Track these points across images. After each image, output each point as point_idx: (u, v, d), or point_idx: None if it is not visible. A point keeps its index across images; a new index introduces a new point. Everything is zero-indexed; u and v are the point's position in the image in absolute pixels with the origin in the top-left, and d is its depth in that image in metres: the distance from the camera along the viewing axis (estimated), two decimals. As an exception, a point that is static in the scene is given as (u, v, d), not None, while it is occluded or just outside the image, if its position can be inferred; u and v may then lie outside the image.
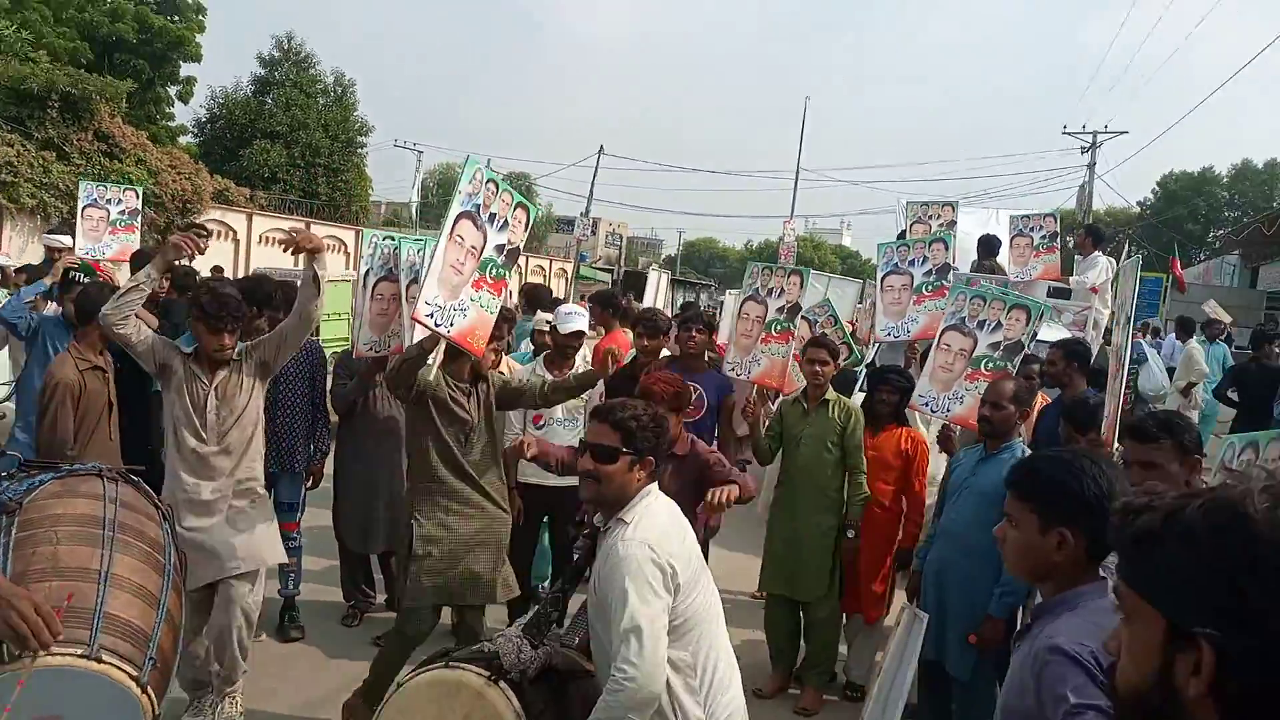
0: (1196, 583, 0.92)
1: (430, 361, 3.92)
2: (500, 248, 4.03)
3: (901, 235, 9.10)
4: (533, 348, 6.03)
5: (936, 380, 5.05)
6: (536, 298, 7.73)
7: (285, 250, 3.99)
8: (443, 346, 3.96)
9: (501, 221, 4.00)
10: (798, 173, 34.47)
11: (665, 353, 5.53)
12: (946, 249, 6.11)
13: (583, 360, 5.28)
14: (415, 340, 3.92)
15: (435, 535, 3.87)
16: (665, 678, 2.41)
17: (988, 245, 8.57)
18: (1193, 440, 2.82)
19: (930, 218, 8.57)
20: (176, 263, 4.19)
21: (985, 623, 3.64)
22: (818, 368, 4.71)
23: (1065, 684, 1.64)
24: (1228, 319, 17.01)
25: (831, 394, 4.77)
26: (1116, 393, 3.90)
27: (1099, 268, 8.39)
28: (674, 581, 2.46)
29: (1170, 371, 10.76)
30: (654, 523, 2.54)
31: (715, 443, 4.99)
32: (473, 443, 4.00)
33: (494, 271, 4.00)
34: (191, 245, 3.81)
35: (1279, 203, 33.73)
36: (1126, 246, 29.13)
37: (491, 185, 3.93)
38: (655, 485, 2.67)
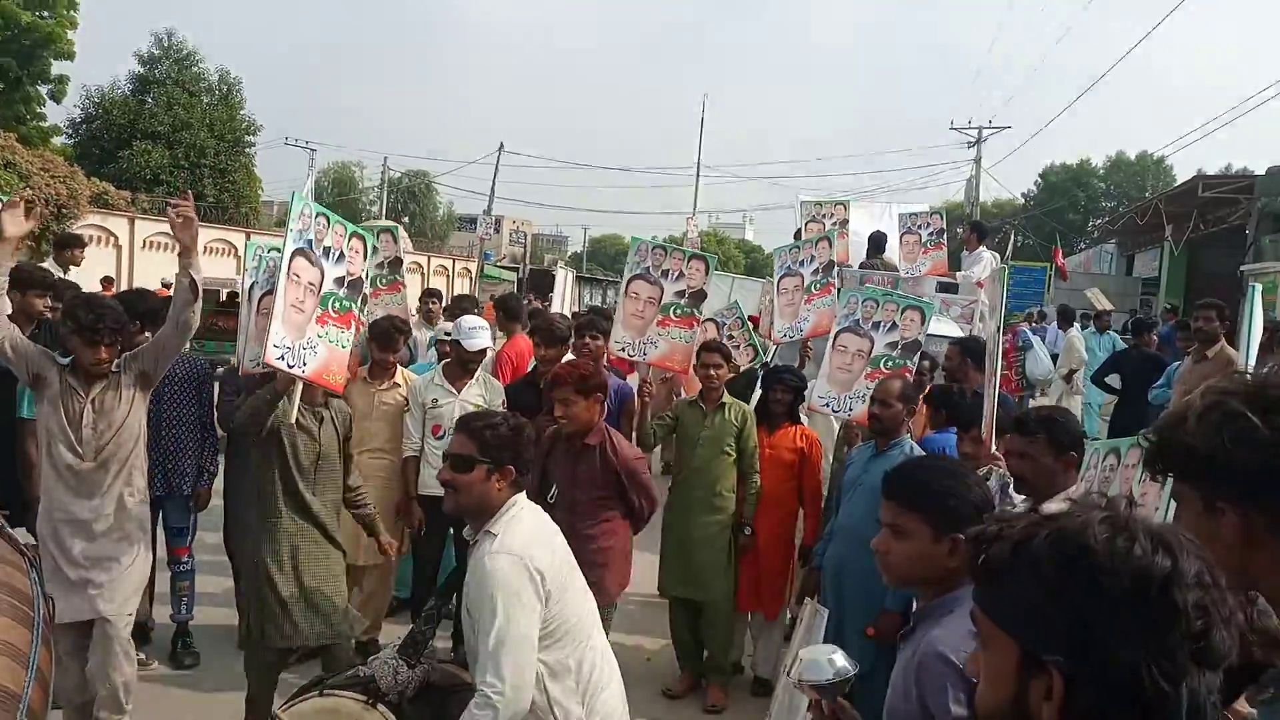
0: (1046, 613, 0.96)
1: (287, 403, 3.83)
2: (340, 280, 4.04)
3: (798, 234, 9.33)
4: (435, 357, 5.92)
5: (835, 381, 5.17)
6: (460, 309, 7.53)
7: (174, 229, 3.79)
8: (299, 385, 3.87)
9: (337, 254, 4.03)
10: (699, 169, 34.79)
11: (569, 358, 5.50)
12: (830, 246, 6.25)
13: (484, 370, 5.23)
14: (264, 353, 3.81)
15: (277, 577, 3.76)
16: (531, 697, 2.43)
17: (876, 243, 8.83)
18: (1069, 438, 2.96)
19: (824, 217, 8.78)
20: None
21: (881, 616, 3.75)
22: (713, 371, 4.83)
23: (947, 694, 1.70)
24: (1109, 306, 17.97)
25: (727, 397, 4.87)
26: (992, 393, 4.07)
27: (983, 262, 8.75)
28: (544, 589, 2.48)
29: (1055, 359, 11.30)
30: (520, 530, 2.55)
31: None
32: (319, 476, 3.93)
33: (337, 305, 4.01)
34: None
35: (1150, 193, 35.68)
36: (1012, 237, 30.35)
37: (322, 219, 3.95)
38: (523, 495, 2.67)
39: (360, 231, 4.15)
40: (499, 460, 2.58)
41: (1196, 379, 6.41)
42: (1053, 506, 2.87)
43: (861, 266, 8.52)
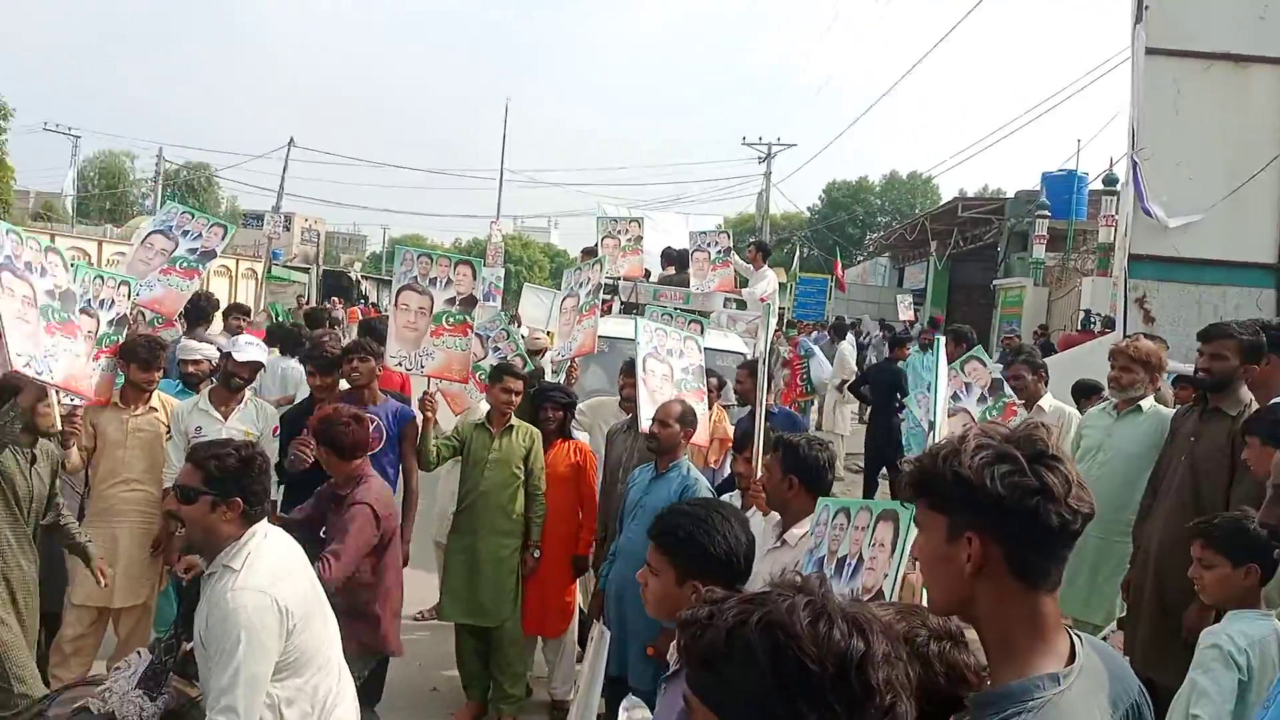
0: (759, 700, 1.01)
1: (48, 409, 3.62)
2: (51, 292, 4.05)
3: (592, 250, 9.45)
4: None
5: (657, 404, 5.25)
6: (196, 311, 6.60)
7: None
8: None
9: (40, 269, 4.04)
10: (501, 173, 34.50)
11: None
12: (602, 269, 6.32)
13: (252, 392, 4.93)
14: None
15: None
16: None
17: (676, 259, 9.12)
18: (789, 459, 3.14)
19: (619, 232, 8.93)
20: None
21: (661, 635, 3.84)
22: (511, 396, 4.79)
23: None
24: (911, 317, 19.37)
25: (515, 419, 4.85)
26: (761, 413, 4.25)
27: (767, 279, 9.20)
28: (290, 623, 2.47)
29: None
30: (264, 565, 2.49)
31: (400, 473, 4.85)
32: (29, 520, 3.68)
33: (55, 316, 4.02)
34: None
35: (919, 210, 38.80)
36: (798, 250, 32.02)
37: (14, 236, 3.98)
38: (262, 524, 2.59)
39: (55, 247, 4.27)
40: (225, 492, 2.49)
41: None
42: (798, 531, 3.08)
43: (661, 281, 8.79)
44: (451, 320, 5.28)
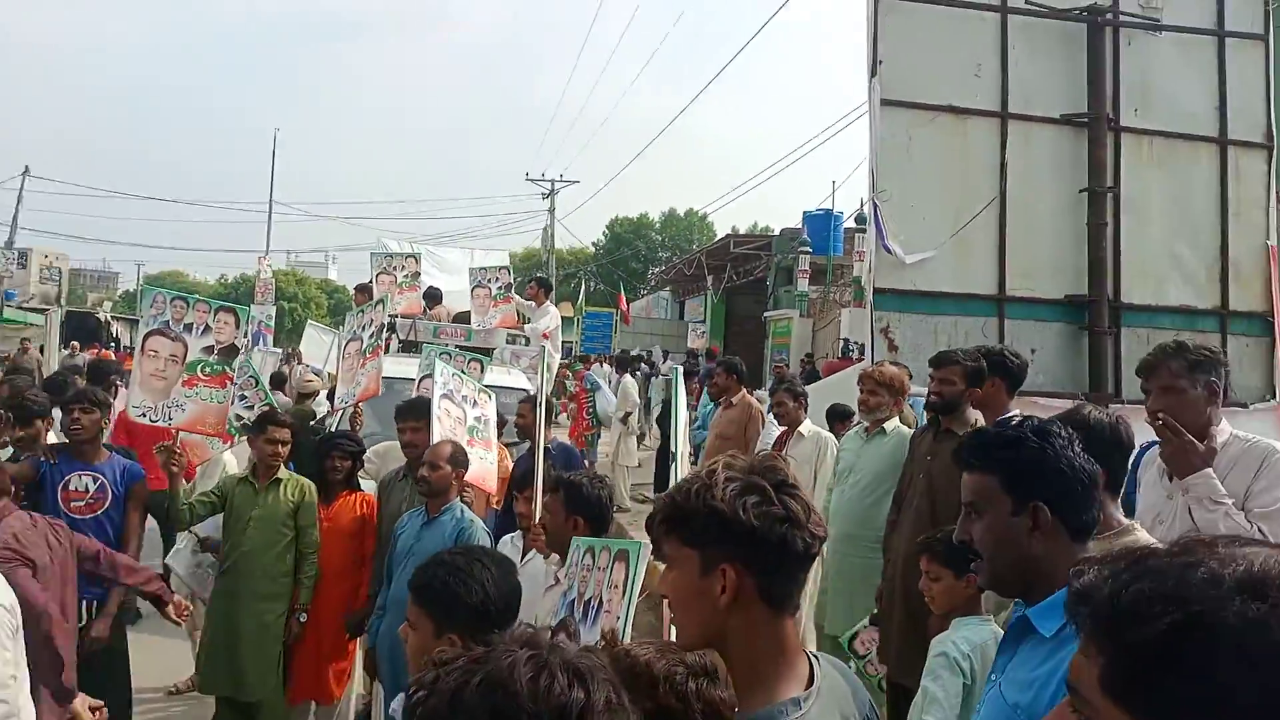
0: None
1: None
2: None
3: (365, 287, 9.14)
4: None
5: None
6: None
7: None
8: None
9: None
10: (270, 205, 32.73)
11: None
12: (384, 308, 6.14)
13: None
14: None
15: None
16: None
17: (432, 296, 9.01)
18: (573, 499, 3.16)
19: (396, 268, 8.67)
20: None
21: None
22: (278, 447, 4.48)
23: None
24: (699, 346, 19.96)
25: (284, 472, 4.54)
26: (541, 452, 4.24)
27: (549, 315, 9.25)
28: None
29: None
30: None
31: (119, 539, 4.32)
32: None
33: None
34: None
35: (696, 246, 40.49)
36: (584, 284, 32.45)
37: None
38: None
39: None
40: None
41: (724, 423, 7.36)
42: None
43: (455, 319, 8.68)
44: (209, 370, 4.93)
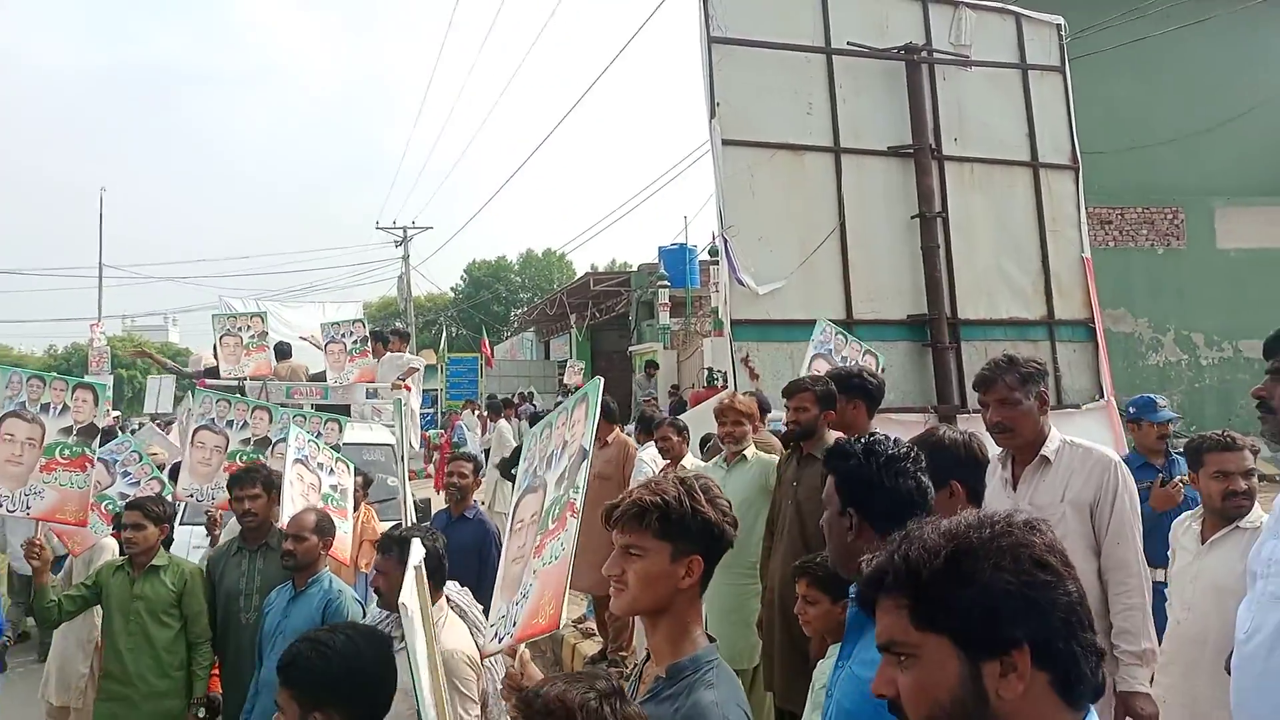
0: None
1: None
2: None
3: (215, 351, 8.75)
4: None
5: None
6: None
7: None
8: None
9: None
10: (101, 269, 30.76)
11: None
12: (270, 419, 5.64)
13: None
14: None
15: None
16: None
17: (282, 352, 8.79)
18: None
19: (240, 330, 8.31)
20: None
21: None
22: (134, 533, 4.18)
23: None
24: (580, 382, 19.79)
25: (163, 556, 4.24)
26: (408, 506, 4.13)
27: (399, 361, 9.10)
28: None
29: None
30: None
31: None
32: None
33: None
34: None
35: (557, 285, 40.58)
36: (445, 330, 31.89)
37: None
38: None
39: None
40: None
41: (601, 462, 7.34)
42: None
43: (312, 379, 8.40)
44: (68, 453, 4.61)
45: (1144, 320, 14.34)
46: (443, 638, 2.96)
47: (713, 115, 5.98)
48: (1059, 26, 7.14)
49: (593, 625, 7.25)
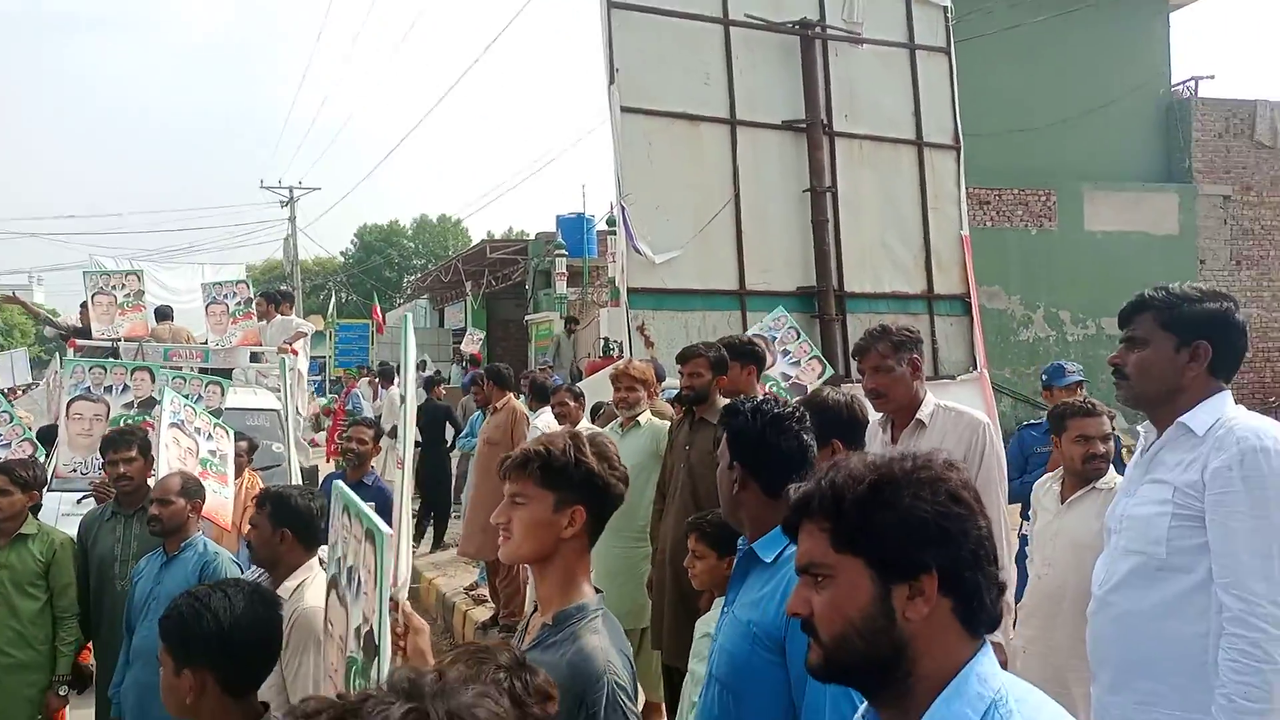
0: None
1: None
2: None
3: (83, 306, 8.28)
4: None
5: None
6: None
7: None
8: None
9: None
10: (-46, 224, 28.61)
11: None
12: (153, 379, 5.44)
13: None
14: None
15: None
16: None
17: (163, 314, 8.52)
18: (280, 511, 3.08)
19: (114, 288, 7.88)
20: None
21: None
22: (9, 498, 3.95)
23: None
24: (476, 351, 19.47)
25: (32, 524, 4.03)
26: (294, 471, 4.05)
27: (289, 325, 8.84)
28: None
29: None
30: None
31: None
32: None
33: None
34: None
35: (452, 252, 39.86)
36: (334, 295, 30.97)
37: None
38: None
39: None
40: None
41: (490, 428, 7.34)
42: (290, 584, 2.98)
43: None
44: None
45: (1016, 298, 15.08)
46: (307, 595, 2.91)
47: (611, 81, 5.99)
48: (945, 9, 7.40)
49: (484, 591, 7.26)
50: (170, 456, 4.09)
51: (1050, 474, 3.95)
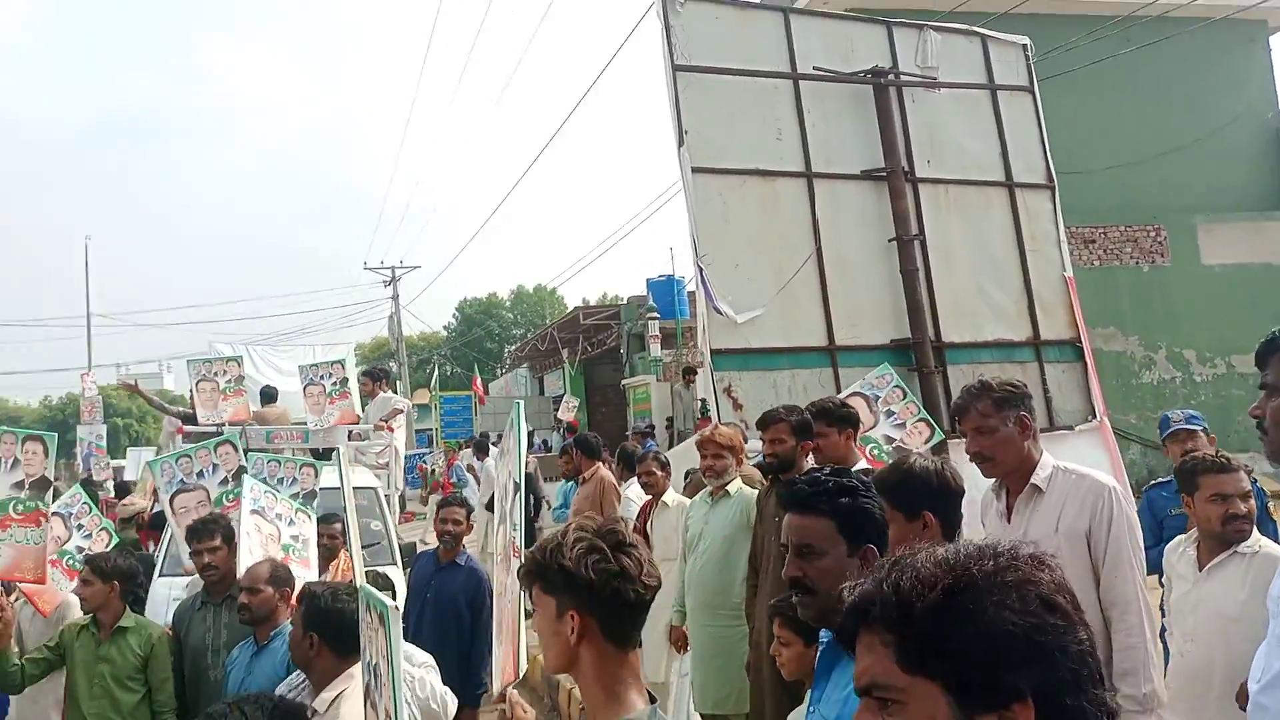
0: None
1: None
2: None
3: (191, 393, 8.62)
4: None
5: None
6: None
7: None
8: None
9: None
10: (89, 318, 30.70)
11: None
12: (236, 451, 5.58)
13: None
14: None
15: None
16: None
17: (268, 395, 8.61)
18: (310, 615, 2.98)
19: (216, 374, 8.20)
20: None
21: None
22: (90, 589, 4.02)
23: None
24: (572, 419, 19.67)
25: (130, 618, 4.09)
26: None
27: (387, 403, 8.98)
28: None
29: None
30: None
31: None
32: None
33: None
34: None
35: (549, 320, 40.56)
36: (436, 369, 31.75)
37: None
38: None
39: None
40: None
41: (580, 499, 7.28)
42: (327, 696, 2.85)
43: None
44: (21, 508, 4.53)
45: (1134, 338, 14.28)
46: (343, 711, 2.72)
47: (681, 143, 5.93)
48: (1025, 47, 7.13)
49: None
50: (252, 544, 4.10)
51: (1183, 536, 3.55)
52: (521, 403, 2.46)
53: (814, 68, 6.40)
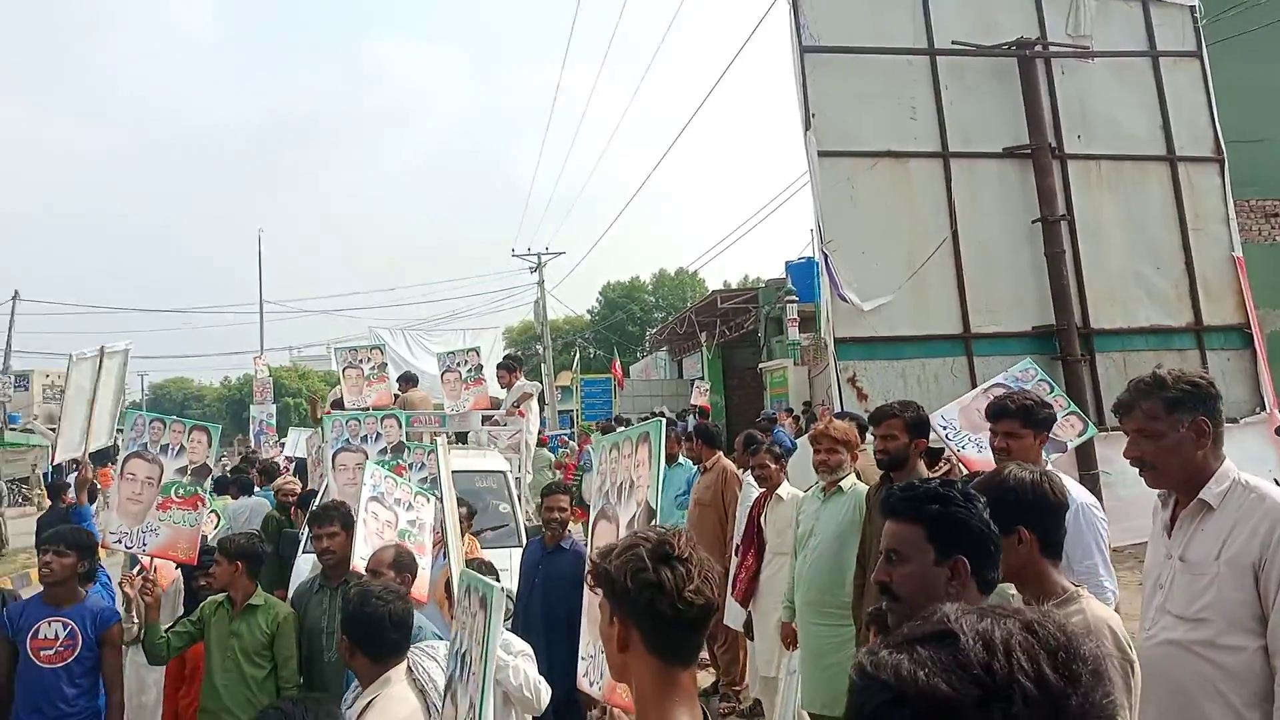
0: None
1: None
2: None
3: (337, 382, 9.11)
4: None
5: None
6: None
7: None
8: None
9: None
10: (261, 305, 32.96)
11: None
12: (400, 426, 5.95)
13: None
14: None
15: None
16: None
17: (409, 379, 8.99)
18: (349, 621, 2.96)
19: (361, 362, 8.62)
20: None
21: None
22: (216, 568, 4.30)
23: None
24: (705, 403, 19.81)
25: (260, 596, 4.28)
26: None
27: (519, 390, 9.18)
28: None
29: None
30: None
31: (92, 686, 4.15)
32: None
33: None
34: None
35: (689, 303, 40.60)
36: (577, 353, 32.36)
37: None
38: None
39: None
40: None
41: (701, 488, 7.22)
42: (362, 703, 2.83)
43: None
44: (182, 492, 4.89)
45: (1319, 322, 12.95)
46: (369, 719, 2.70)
47: (808, 127, 5.75)
48: (1193, 9, 6.51)
49: (704, 656, 7.05)
50: (369, 531, 4.26)
51: None
52: (663, 422, 2.49)
53: (953, 42, 6.07)
